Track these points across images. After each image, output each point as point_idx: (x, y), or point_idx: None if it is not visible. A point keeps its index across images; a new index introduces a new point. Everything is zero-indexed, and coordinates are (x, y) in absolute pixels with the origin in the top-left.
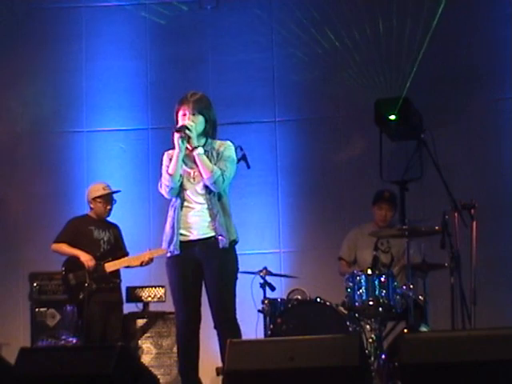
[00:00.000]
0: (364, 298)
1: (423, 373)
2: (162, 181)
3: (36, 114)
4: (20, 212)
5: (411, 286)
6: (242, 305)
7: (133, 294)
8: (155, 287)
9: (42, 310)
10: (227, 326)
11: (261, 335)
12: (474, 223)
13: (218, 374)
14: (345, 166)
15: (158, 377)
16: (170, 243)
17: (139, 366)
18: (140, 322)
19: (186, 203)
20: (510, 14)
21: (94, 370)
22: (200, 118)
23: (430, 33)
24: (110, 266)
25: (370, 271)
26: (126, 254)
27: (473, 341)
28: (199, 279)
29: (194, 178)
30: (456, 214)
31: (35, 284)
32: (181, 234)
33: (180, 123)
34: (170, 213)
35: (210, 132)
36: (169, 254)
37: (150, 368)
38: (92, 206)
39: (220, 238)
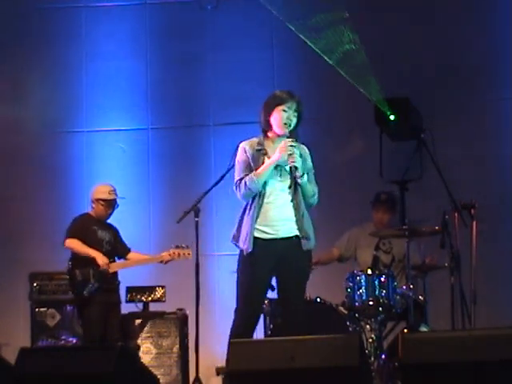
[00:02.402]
0: (364, 298)
1: (423, 373)
2: (246, 182)
3: (36, 113)
4: (20, 212)
5: (411, 286)
6: None
7: (133, 294)
8: (155, 287)
9: (41, 309)
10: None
11: (261, 335)
12: (474, 223)
13: (217, 374)
14: (345, 166)
15: (158, 377)
16: (245, 240)
17: (139, 365)
18: (140, 322)
19: (268, 199)
20: (510, 14)
21: (94, 370)
22: (295, 120)
23: (431, 33)
24: (113, 267)
25: (369, 271)
26: (129, 250)
27: (473, 341)
28: (270, 278)
29: (280, 175)
30: (456, 214)
31: (35, 284)
32: (262, 232)
33: (278, 118)
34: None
35: (296, 132)
36: (245, 253)
37: (150, 368)
38: (94, 205)
39: (305, 239)
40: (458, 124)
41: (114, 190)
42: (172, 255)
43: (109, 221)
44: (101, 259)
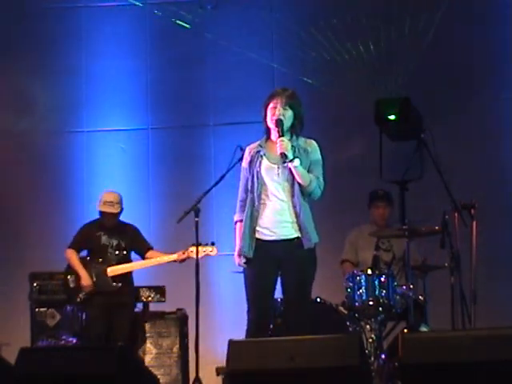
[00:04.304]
0: (364, 297)
1: (423, 373)
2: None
3: (36, 113)
4: (20, 212)
5: (411, 286)
6: (243, 305)
7: None
8: (155, 287)
9: (41, 310)
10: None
11: None
12: (474, 223)
13: (218, 374)
14: (345, 166)
15: (158, 377)
16: (245, 244)
17: (139, 366)
18: (140, 322)
19: (265, 200)
20: (510, 14)
21: (94, 371)
22: (289, 113)
23: (430, 33)
24: (112, 271)
25: (369, 271)
26: (148, 249)
27: (473, 341)
28: (275, 278)
29: (278, 175)
30: (456, 214)
31: (35, 284)
32: (262, 233)
33: (269, 116)
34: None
35: (297, 129)
36: (244, 260)
37: (150, 368)
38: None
39: (307, 239)
40: (458, 124)
41: (111, 202)
42: (190, 254)
43: (127, 220)
44: (85, 281)
